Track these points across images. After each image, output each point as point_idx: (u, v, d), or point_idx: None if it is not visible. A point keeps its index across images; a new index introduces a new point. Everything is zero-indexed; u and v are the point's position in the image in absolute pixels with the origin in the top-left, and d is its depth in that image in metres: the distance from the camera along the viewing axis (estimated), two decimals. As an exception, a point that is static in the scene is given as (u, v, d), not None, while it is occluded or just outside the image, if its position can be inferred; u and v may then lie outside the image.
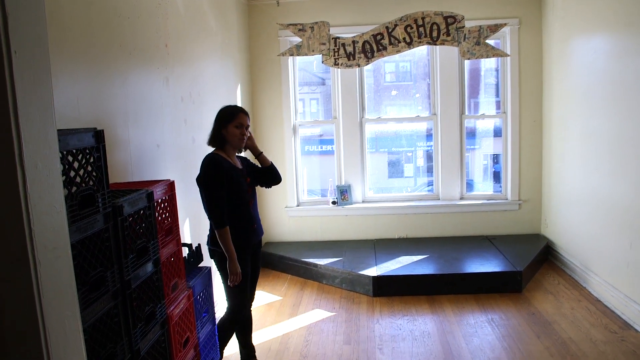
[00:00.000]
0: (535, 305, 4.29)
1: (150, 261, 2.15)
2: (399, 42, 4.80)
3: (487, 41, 4.65)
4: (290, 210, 5.86)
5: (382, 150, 7.91)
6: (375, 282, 4.66)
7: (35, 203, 1.26)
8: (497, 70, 5.74)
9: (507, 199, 5.67)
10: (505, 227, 5.67)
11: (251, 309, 3.39)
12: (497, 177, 5.98)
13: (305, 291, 4.90)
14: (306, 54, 5.05)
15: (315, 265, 5.10)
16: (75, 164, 1.68)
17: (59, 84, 2.18)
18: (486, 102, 5.97)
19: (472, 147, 6.20)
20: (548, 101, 5.34)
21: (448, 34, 4.61)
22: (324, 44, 4.97)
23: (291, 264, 5.34)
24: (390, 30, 4.75)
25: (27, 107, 1.25)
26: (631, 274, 3.88)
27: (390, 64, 7.81)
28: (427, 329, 3.96)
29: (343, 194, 5.82)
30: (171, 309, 2.34)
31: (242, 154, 3.36)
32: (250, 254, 3.19)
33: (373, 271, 4.76)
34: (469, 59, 4.70)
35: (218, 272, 3.08)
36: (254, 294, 3.39)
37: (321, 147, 6.44)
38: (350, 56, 4.96)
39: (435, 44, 4.73)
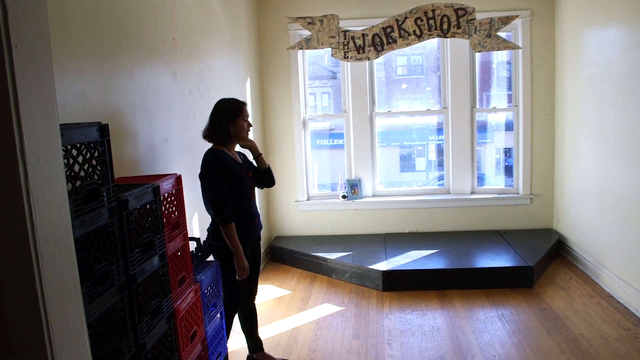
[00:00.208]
0: (546, 300, 4.25)
1: (157, 255, 2.15)
2: (409, 34, 4.76)
3: (498, 33, 4.59)
4: (300, 204, 5.85)
5: (393, 144, 7.88)
6: (385, 277, 4.64)
7: (37, 197, 1.26)
8: (508, 63, 5.67)
9: (518, 193, 5.61)
10: (517, 222, 5.61)
11: (255, 302, 3.41)
12: (508, 171, 5.92)
13: (314, 285, 4.89)
14: (315, 48, 5.02)
15: (325, 259, 5.09)
16: (80, 158, 1.68)
17: (65, 78, 2.18)
18: (497, 96, 5.91)
19: (483, 141, 6.14)
20: (560, 94, 5.27)
21: (459, 27, 4.55)
22: (333, 37, 4.94)
23: (301, 258, 5.33)
24: (400, 22, 4.70)
25: (28, 101, 1.25)
26: (645, 270, 3.83)
27: (401, 57, 7.75)
28: (437, 324, 3.94)
29: (353, 188, 5.80)
30: (178, 303, 2.35)
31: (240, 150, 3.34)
32: (250, 249, 3.20)
33: (383, 265, 4.74)
34: (479, 51, 4.65)
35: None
36: (256, 287, 3.39)
37: (332, 142, 6.41)
38: (359, 49, 4.92)
39: (446, 37, 4.68)
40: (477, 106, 5.61)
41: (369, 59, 4.96)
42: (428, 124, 6.35)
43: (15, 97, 1.22)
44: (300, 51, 5.63)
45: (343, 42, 4.93)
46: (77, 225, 1.59)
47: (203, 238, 3.41)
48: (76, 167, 1.67)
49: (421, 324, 3.97)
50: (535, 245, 5.05)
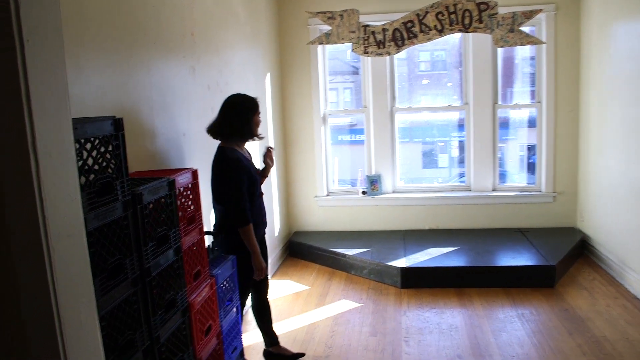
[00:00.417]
0: (568, 301, 4.17)
1: (171, 249, 2.16)
2: (430, 29, 4.70)
3: (521, 28, 4.50)
4: (320, 200, 5.85)
5: (416, 140, 7.81)
6: (404, 274, 4.61)
7: (49, 191, 1.27)
8: (532, 59, 5.56)
9: (541, 191, 5.51)
10: (539, 220, 5.51)
11: (273, 297, 3.42)
12: (530, 168, 5.82)
13: (333, 281, 4.89)
14: (335, 43, 5.00)
15: (344, 255, 5.08)
16: (94, 152, 1.69)
17: (82, 73, 2.21)
18: (520, 92, 5.80)
19: (505, 137, 6.05)
20: (585, 90, 5.14)
21: (480, 21, 4.48)
22: (353, 32, 4.90)
23: (320, 254, 5.33)
24: (421, 17, 4.64)
25: (40, 96, 1.26)
26: (671, 271, 3.72)
27: (424, 53, 7.67)
28: (455, 322, 3.90)
29: (373, 184, 5.77)
30: (193, 297, 2.36)
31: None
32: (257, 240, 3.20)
33: (402, 262, 4.71)
34: (502, 46, 4.57)
35: None
36: (268, 281, 3.40)
37: (355, 137, 6.38)
38: (380, 44, 4.88)
39: (468, 32, 4.61)
40: (499, 102, 5.52)
41: (389, 54, 4.92)
42: (449, 120, 6.28)
43: (27, 92, 1.22)
44: (320, 46, 5.61)
45: (363, 37, 4.90)
46: (90, 218, 1.61)
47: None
48: (90, 161, 1.69)
49: (439, 322, 3.93)
50: (557, 244, 4.95)
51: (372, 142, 5.75)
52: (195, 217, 2.50)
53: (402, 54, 6.07)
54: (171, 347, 2.13)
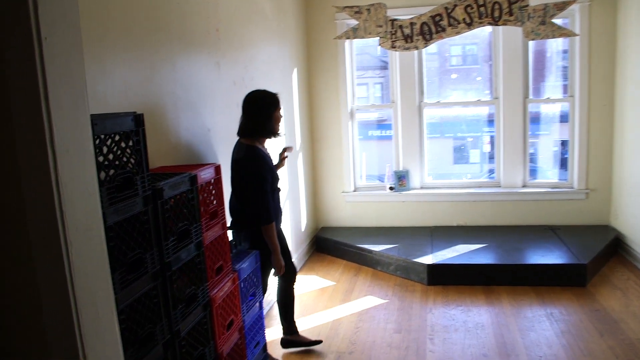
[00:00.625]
0: (600, 301, 4.05)
1: (193, 244, 2.18)
2: (459, 23, 4.61)
3: (553, 20, 4.38)
4: (347, 195, 5.83)
5: (447, 135, 7.71)
6: (430, 270, 4.55)
7: (66, 186, 1.29)
8: (564, 52, 5.40)
9: (573, 188, 5.36)
10: (571, 217, 5.37)
11: (299, 293, 3.48)
12: (562, 164, 5.66)
13: (359, 277, 4.87)
14: (362, 37, 4.96)
15: (370, 251, 5.05)
16: (114, 148, 1.72)
17: (106, 69, 2.24)
18: (552, 87, 5.65)
19: (536, 132, 5.91)
20: (621, 83, 4.97)
21: (511, 14, 4.38)
22: (380, 26, 4.86)
23: (346, 250, 5.31)
24: (449, 10, 4.57)
25: (58, 93, 1.28)
26: None
27: (456, 47, 7.55)
28: (482, 321, 3.83)
29: (401, 179, 5.72)
30: (214, 291, 2.38)
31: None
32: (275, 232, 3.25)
33: (429, 259, 4.65)
34: (533, 39, 4.46)
35: None
36: (294, 268, 3.47)
37: (384, 132, 6.33)
38: (407, 38, 4.82)
39: (497, 25, 4.52)
40: (530, 96, 5.38)
41: (417, 49, 4.85)
42: (481, 115, 6.17)
43: (45, 89, 1.25)
44: (347, 41, 5.58)
45: (391, 32, 4.85)
46: (110, 213, 1.63)
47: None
48: (110, 156, 1.71)
49: (465, 320, 3.87)
50: (589, 242, 4.81)
51: (400, 138, 5.69)
52: (218, 212, 2.52)
53: (433, 48, 5.99)
54: (192, 341, 2.16)
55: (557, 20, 4.45)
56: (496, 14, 4.42)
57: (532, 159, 5.67)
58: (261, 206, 3.01)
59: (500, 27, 5.15)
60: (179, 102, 2.87)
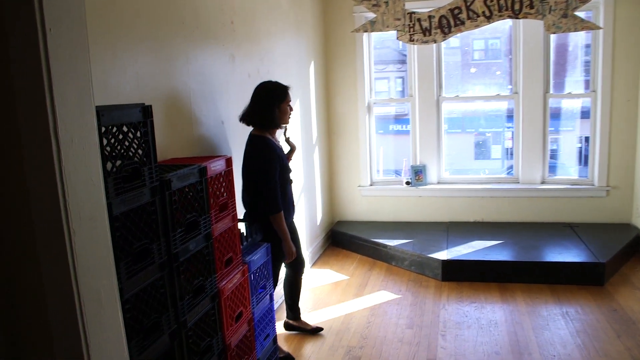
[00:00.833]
0: (618, 301, 3.97)
1: (201, 235, 2.19)
2: (478, 16, 4.55)
3: (576, 13, 4.28)
4: (363, 190, 5.81)
5: (469, 130, 7.61)
6: (445, 266, 4.52)
7: (70, 175, 1.31)
8: (587, 46, 5.28)
9: (593, 185, 5.25)
10: (590, 215, 5.26)
11: (302, 277, 3.63)
12: (582, 160, 5.55)
13: (373, 272, 4.85)
14: (380, 30, 4.92)
15: (385, 246, 5.03)
16: (121, 138, 1.73)
17: (118, 62, 2.26)
18: (574, 82, 5.53)
19: (557, 128, 5.80)
20: (647, 79, 4.85)
21: (531, 7, 4.29)
22: (398, 19, 4.81)
23: (361, 244, 5.30)
24: (468, 3, 4.50)
25: (62, 84, 1.29)
26: None
27: (479, 41, 7.44)
28: (495, 318, 3.79)
29: (417, 174, 5.67)
30: (223, 283, 2.39)
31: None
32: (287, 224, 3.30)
33: (443, 255, 4.62)
34: (554, 33, 4.37)
35: None
36: (303, 260, 3.55)
37: (404, 127, 6.28)
38: (426, 32, 4.77)
39: (518, 18, 4.43)
40: (551, 91, 5.28)
41: (435, 42, 4.80)
42: (503, 110, 6.07)
43: (49, 80, 1.26)
44: (365, 34, 5.54)
45: (409, 25, 4.80)
46: (116, 203, 1.65)
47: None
48: (117, 147, 1.73)
49: (479, 317, 3.83)
50: (609, 240, 4.72)
51: (418, 132, 5.64)
52: (228, 204, 2.53)
53: (455, 42, 5.93)
54: (199, 332, 2.17)
55: (580, 13, 4.35)
56: (516, 6, 4.34)
57: (552, 155, 5.57)
58: (269, 195, 3.05)
59: (521, 21, 5.06)
60: (193, 94, 2.88)
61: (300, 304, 3.74)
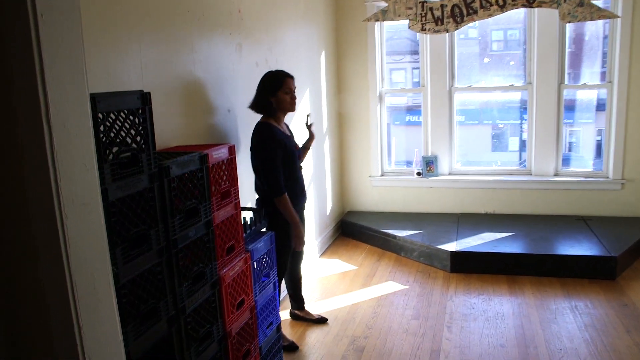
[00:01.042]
0: (629, 295, 3.91)
1: (202, 223, 2.20)
2: (491, 5, 4.48)
3: (592, 1, 4.19)
4: (374, 180, 5.79)
5: (486, 122, 7.52)
6: (454, 258, 4.49)
7: (62, 160, 1.32)
8: (605, 37, 5.17)
9: (608, 178, 5.15)
10: (604, 208, 5.17)
11: (301, 266, 3.65)
12: (597, 153, 5.45)
13: (381, 262, 4.85)
14: (392, 19, 4.89)
15: (394, 236, 5.02)
16: (118, 125, 1.74)
17: (122, 50, 2.27)
18: (590, 73, 5.42)
19: (571, 120, 5.71)
20: (665, 69, 4.73)
21: (546, -5, 4.21)
22: (410, 8, 4.77)
23: (370, 234, 5.29)
24: (481, -8, 4.43)
25: (54, 69, 1.30)
26: None
27: (497, 32, 7.32)
28: (502, 311, 3.76)
29: (429, 165, 5.63)
30: (224, 270, 2.40)
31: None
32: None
33: (452, 246, 4.59)
34: (569, 22, 4.29)
35: None
36: (302, 252, 3.60)
37: (419, 118, 6.23)
38: (438, 21, 4.72)
39: (532, 6, 4.36)
40: (566, 82, 5.18)
41: (447, 32, 4.75)
42: (521, 102, 5.97)
43: (41, 66, 1.27)
44: (377, 23, 5.49)
45: (420, 14, 4.76)
46: (113, 189, 1.66)
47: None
48: (113, 134, 1.74)
49: (486, 309, 3.81)
50: (623, 234, 4.64)
51: (429, 122, 5.59)
52: (231, 192, 2.53)
53: (473, 32, 5.85)
54: (198, 319, 2.19)
55: (597, 1, 4.26)
56: (530, -5, 4.27)
57: (566, 147, 5.48)
58: (270, 178, 3.08)
59: (535, 10, 4.97)
60: (198, 82, 2.89)
61: (308, 294, 3.77)
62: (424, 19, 4.76)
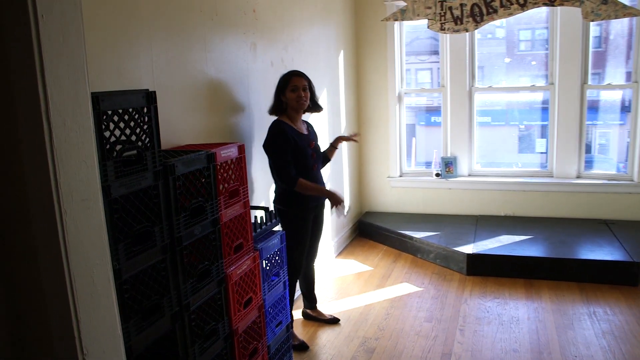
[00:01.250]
0: (651, 301, 3.81)
1: (208, 221, 2.22)
2: (512, 4, 4.41)
3: (616, -1, 4.09)
4: (392, 181, 5.76)
5: (512, 123, 7.41)
6: (470, 260, 4.44)
7: (62, 157, 1.34)
8: (630, 35, 5.04)
9: (633, 181, 5.01)
10: (628, 212, 5.04)
11: (314, 265, 3.67)
12: (621, 155, 5.30)
13: (397, 263, 4.82)
14: (411, 19, 4.86)
15: (411, 237, 4.98)
16: (121, 124, 1.76)
17: (133, 48, 2.30)
18: (613, 73, 5.29)
19: (594, 121, 5.57)
20: (694, 70, 4.58)
21: (567, -7, 4.13)
22: (429, 7, 4.73)
23: (388, 235, 5.26)
24: (501, -10, 4.37)
25: (55, 68, 1.32)
26: None
27: (525, 32, 7.20)
28: (517, 315, 3.70)
29: (448, 166, 5.57)
30: (232, 268, 2.42)
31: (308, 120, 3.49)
32: (312, 215, 3.37)
33: (469, 248, 4.53)
34: (592, 20, 4.20)
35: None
36: (316, 252, 3.62)
37: (439, 119, 6.18)
38: (457, 20, 4.68)
39: (554, 5, 4.28)
40: (589, 82, 5.07)
41: (467, 31, 4.70)
42: (539, 102, 5.86)
43: (41, 64, 1.29)
44: (397, 23, 5.45)
45: (440, 13, 4.72)
46: (116, 186, 1.69)
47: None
48: (117, 132, 1.76)
49: (500, 313, 3.75)
50: (646, 239, 4.52)
51: (449, 123, 5.54)
52: (240, 191, 2.55)
53: (501, 32, 5.76)
54: (203, 316, 2.21)
55: (622, -1, 4.16)
56: (551, -6, 4.19)
57: (589, 148, 5.36)
58: (282, 173, 3.14)
59: (558, 8, 4.86)
60: (211, 81, 2.91)
61: (322, 294, 3.77)
62: (443, 18, 4.71)
